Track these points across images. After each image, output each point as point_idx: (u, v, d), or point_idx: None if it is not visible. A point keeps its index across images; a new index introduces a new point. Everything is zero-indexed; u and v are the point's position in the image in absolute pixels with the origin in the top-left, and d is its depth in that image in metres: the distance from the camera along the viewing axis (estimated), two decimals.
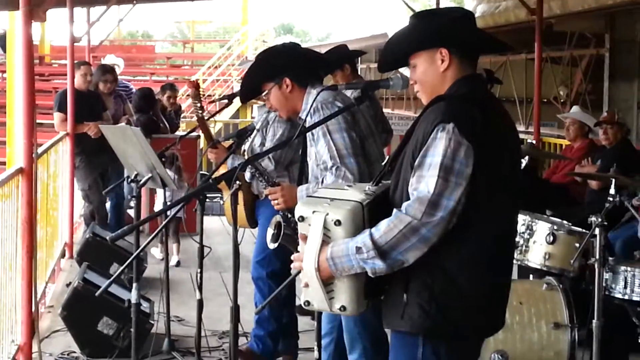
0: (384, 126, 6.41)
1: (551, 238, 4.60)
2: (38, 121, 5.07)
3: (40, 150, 5.95)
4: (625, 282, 4.31)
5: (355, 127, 3.55)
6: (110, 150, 5.15)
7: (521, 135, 9.91)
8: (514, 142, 2.64)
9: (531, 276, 5.01)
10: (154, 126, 8.65)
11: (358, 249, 2.37)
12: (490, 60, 13.53)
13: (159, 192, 7.16)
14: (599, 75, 11.88)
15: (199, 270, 4.24)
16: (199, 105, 4.71)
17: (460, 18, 2.60)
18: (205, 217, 4.44)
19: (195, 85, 4.77)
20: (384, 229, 2.37)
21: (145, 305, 5.26)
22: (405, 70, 2.74)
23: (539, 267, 4.65)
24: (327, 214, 2.39)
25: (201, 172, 10.05)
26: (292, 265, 2.52)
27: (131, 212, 7.98)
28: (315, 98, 3.53)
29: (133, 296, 4.54)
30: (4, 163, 12.74)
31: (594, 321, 4.13)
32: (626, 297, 4.32)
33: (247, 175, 4.63)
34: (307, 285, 2.46)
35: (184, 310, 5.89)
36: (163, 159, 5.01)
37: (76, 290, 5.08)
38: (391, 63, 2.76)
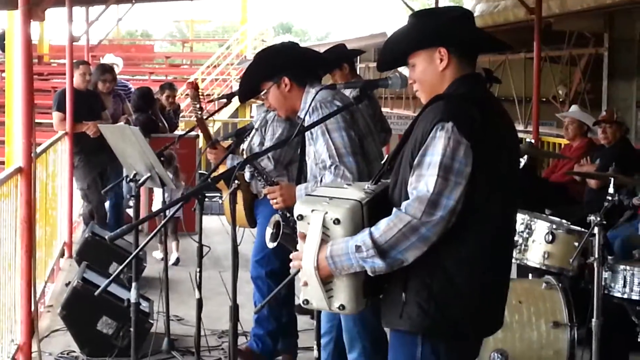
0: (382, 125, 6.41)
1: (550, 237, 4.60)
2: (37, 120, 5.07)
3: (39, 149, 5.95)
4: (625, 281, 4.31)
5: (354, 126, 3.55)
6: (109, 149, 5.14)
7: (520, 135, 9.92)
8: (512, 142, 2.63)
9: (530, 275, 5.00)
10: (153, 125, 8.65)
11: (357, 248, 2.36)
12: (489, 59, 13.53)
13: (157, 191, 7.16)
14: (597, 75, 11.86)
15: (198, 270, 4.24)
16: (198, 106, 4.71)
17: (459, 17, 2.60)
18: (204, 217, 4.44)
19: (195, 86, 4.77)
20: (383, 227, 2.37)
21: (144, 305, 5.26)
22: (404, 70, 2.74)
23: (538, 266, 4.65)
24: (326, 213, 2.39)
25: (200, 171, 10.06)
26: (291, 264, 2.52)
27: (130, 212, 8.02)
28: (314, 97, 3.53)
29: (132, 295, 4.53)
30: (2, 162, 12.71)
31: (593, 320, 4.13)
32: (625, 295, 4.32)
33: (246, 174, 4.63)
34: (306, 284, 2.45)
35: (184, 309, 5.89)
36: (162, 159, 5.01)
37: (75, 289, 5.08)
38: (390, 62, 2.76)
